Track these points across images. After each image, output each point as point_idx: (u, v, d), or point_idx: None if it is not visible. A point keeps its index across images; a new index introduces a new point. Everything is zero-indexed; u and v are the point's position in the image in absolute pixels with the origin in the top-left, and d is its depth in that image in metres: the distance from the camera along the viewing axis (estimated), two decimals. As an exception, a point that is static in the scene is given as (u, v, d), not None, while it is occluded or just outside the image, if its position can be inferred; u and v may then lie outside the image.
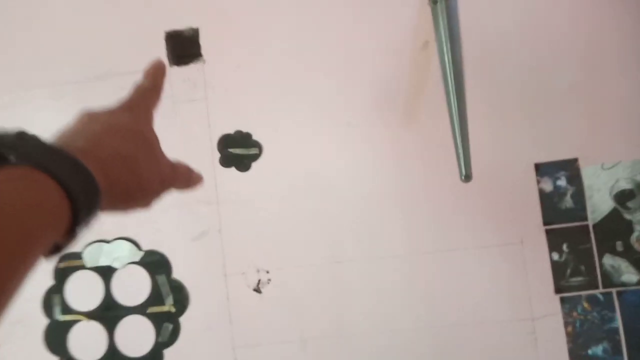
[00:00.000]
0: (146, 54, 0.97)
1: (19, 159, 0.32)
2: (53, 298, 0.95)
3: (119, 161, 0.38)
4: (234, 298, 0.92)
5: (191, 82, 0.95)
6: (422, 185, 0.90)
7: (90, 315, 0.94)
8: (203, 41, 0.95)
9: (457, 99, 0.90)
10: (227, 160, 0.94)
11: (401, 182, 0.90)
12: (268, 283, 0.92)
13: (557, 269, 0.86)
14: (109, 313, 0.93)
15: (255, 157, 0.93)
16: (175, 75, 0.95)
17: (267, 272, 0.92)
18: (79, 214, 0.33)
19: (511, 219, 0.87)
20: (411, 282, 0.89)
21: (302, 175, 0.92)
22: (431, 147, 0.90)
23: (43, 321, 0.95)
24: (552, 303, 0.86)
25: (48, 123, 0.99)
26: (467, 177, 0.90)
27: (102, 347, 0.94)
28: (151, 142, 0.43)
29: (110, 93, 0.96)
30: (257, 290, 0.92)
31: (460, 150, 0.89)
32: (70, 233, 0.34)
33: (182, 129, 0.95)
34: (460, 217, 0.88)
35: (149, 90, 0.48)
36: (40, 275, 0.95)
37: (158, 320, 0.93)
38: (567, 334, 0.85)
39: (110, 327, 0.94)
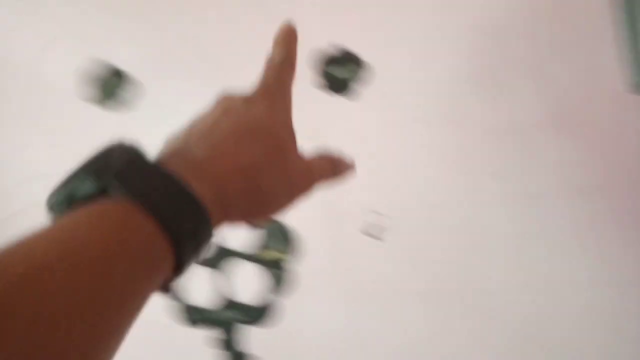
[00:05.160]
0: None
1: (121, 191, 0.29)
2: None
3: (239, 176, 0.35)
4: (342, 243, 0.79)
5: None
6: (572, 99, 0.73)
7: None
8: None
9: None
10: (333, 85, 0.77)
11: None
12: (387, 230, 0.78)
13: None
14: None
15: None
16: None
17: (384, 216, 0.78)
18: (184, 255, 0.30)
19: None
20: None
21: (422, 100, 0.75)
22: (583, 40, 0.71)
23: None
24: None
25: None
26: (639, 87, 0.71)
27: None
28: (283, 144, 0.38)
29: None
30: (374, 236, 0.79)
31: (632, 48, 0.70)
32: (176, 270, 0.30)
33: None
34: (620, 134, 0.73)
35: (283, 63, 0.41)
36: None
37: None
38: None
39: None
